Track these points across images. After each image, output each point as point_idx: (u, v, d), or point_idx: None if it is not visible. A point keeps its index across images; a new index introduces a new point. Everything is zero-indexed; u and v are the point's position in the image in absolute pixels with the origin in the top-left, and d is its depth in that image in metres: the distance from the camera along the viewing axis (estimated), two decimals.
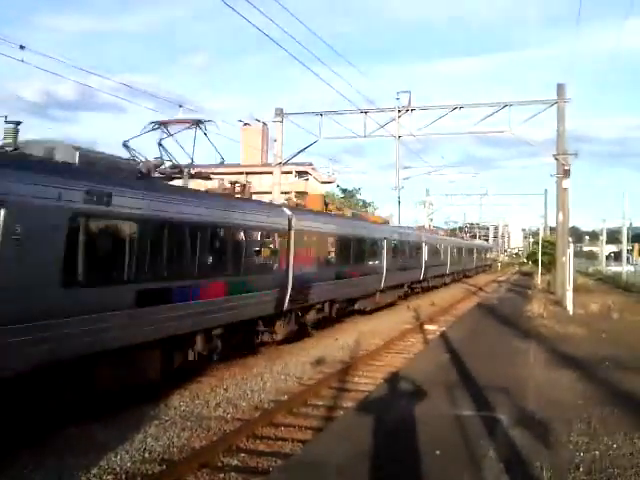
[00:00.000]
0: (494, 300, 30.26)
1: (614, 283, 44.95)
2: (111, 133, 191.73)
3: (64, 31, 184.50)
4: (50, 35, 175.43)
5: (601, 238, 77.30)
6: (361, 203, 51.32)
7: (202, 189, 14.69)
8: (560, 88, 26.13)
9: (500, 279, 62.48)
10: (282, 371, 13.89)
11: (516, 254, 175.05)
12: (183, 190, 12.53)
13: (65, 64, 26.15)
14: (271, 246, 15.51)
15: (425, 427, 7.76)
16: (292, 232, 16.20)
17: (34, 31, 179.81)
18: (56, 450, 8.25)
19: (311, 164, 61.96)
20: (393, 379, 11.04)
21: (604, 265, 68.63)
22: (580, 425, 8.20)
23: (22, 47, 14.51)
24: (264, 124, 42.52)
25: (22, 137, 9.66)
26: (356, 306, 23.45)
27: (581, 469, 6.55)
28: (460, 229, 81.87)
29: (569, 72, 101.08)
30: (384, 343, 17.90)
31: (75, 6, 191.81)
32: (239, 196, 15.70)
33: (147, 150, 13.38)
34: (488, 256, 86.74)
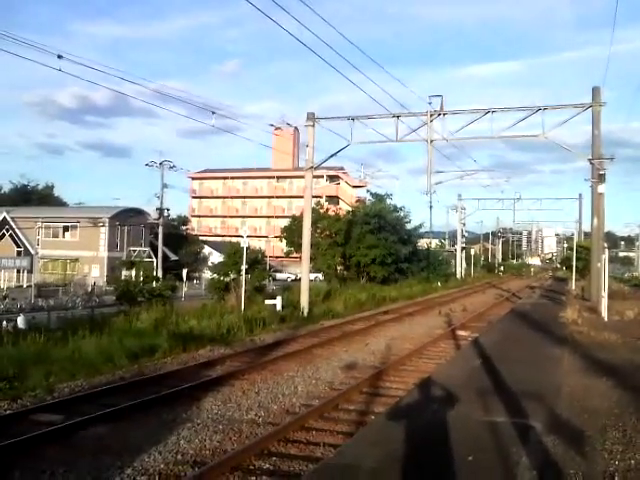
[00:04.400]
0: (527, 306, 29.93)
1: None
2: (145, 139, 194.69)
3: (98, 38, 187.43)
4: (85, 42, 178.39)
5: (637, 243, 76.08)
6: (392, 208, 50.92)
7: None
8: (595, 91, 25.80)
9: (533, 285, 61.82)
10: (313, 375, 13.94)
11: (549, 259, 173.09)
12: None
13: (100, 71, 26.60)
14: None
15: (457, 433, 7.70)
16: None
17: (70, 38, 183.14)
18: (90, 451, 8.39)
19: (342, 168, 62.00)
20: (425, 384, 10.99)
21: None
22: (615, 433, 8.07)
23: (60, 57, 14.91)
24: (295, 128, 42.77)
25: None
26: None
27: (616, 478, 6.45)
28: None
29: (604, 75, 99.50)
30: (415, 348, 17.82)
31: (108, 14, 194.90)
32: None
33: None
34: None
